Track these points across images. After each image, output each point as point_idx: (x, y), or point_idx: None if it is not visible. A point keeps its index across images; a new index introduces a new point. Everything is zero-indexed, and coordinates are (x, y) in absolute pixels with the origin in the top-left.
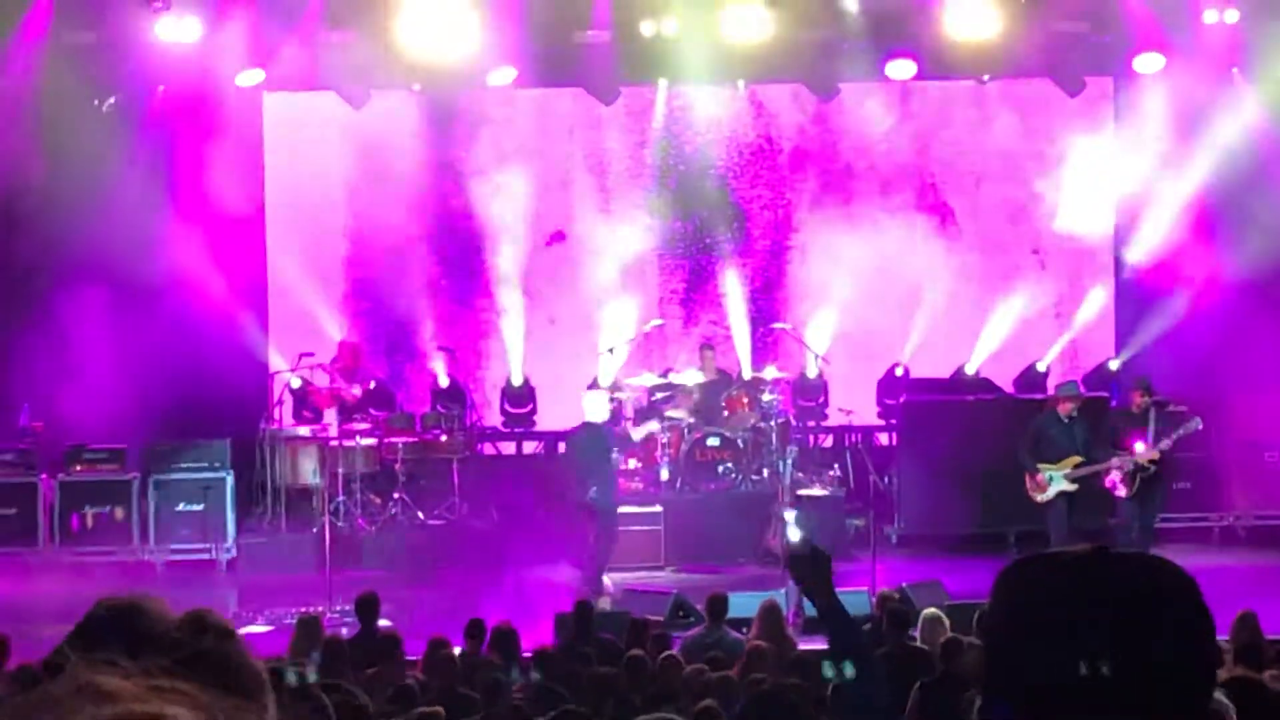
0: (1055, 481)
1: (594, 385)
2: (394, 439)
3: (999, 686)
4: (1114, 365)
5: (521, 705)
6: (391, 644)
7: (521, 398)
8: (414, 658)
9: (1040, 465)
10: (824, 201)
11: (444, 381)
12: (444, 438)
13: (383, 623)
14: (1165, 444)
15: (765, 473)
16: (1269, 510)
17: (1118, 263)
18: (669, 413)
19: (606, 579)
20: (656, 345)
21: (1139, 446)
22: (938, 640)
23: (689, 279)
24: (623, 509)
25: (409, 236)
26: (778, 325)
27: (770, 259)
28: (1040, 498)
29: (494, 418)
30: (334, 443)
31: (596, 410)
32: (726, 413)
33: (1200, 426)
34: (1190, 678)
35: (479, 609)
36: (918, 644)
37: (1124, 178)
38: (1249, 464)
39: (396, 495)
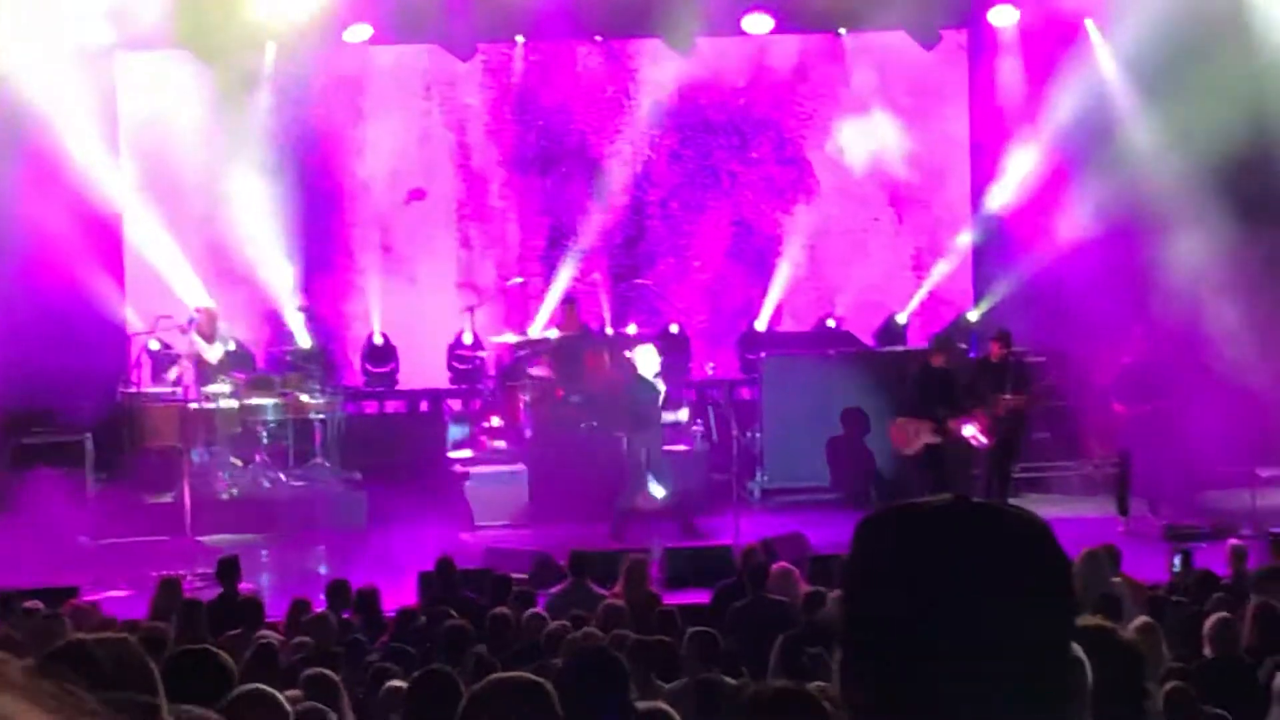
0: (922, 433)
1: (457, 343)
2: (254, 400)
3: (859, 638)
4: (972, 316)
5: (383, 665)
6: (253, 606)
7: (383, 357)
8: (277, 619)
9: (906, 417)
10: (683, 156)
11: (304, 342)
12: (305, 398)
13: (245, 585)
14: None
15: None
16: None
17: (975, 215)
18: (532, 371)
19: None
20: (518, 303)
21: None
22: (796, 593)
23: (550, 236)
24: (487, 468)
25: (266, 197)
26: (638, 280)
27: (631, 214)
28: (906, 450)
29: (356, 377)
30: (194, 405)
31: (648, 364)
32: (588, 369)
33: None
34: (1049, 625)
35: (342, 570)
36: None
37: (980, 130)
38: (1106, 413)
39: (258, 457)
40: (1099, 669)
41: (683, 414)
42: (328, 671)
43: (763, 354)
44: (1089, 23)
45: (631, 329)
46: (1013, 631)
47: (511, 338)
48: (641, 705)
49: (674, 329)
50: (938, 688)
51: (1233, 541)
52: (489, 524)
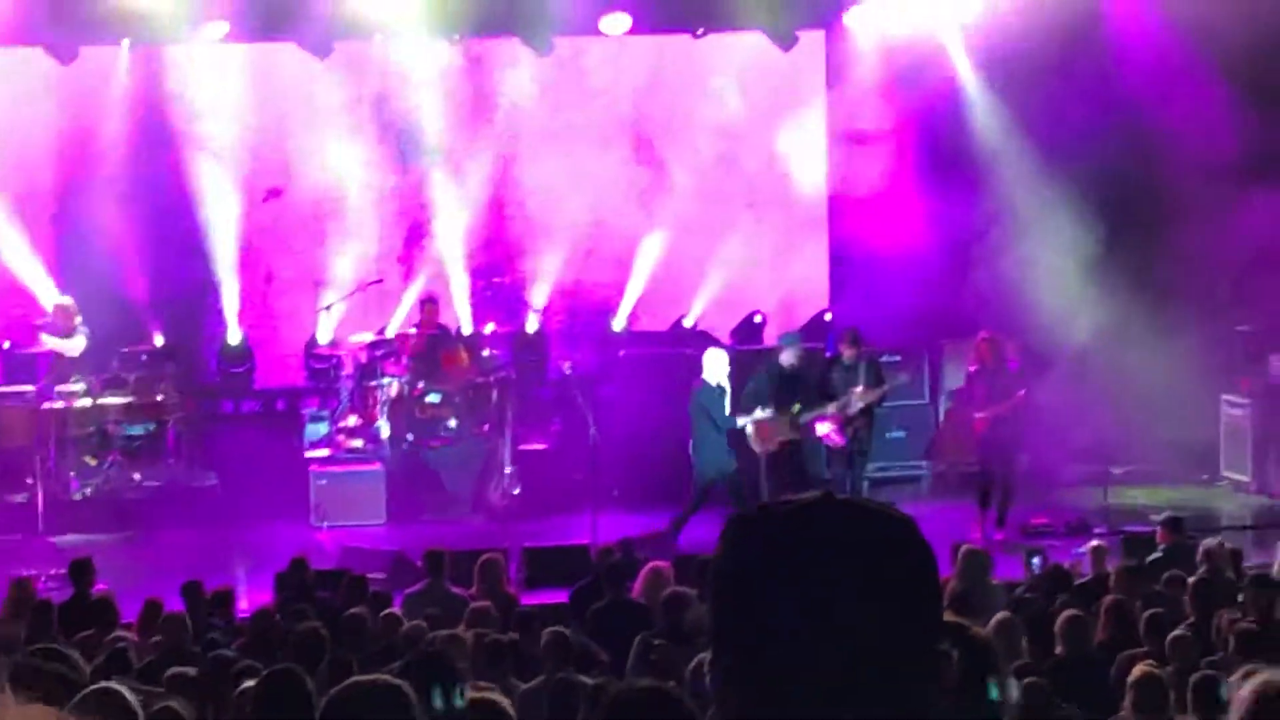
0: (779, 431)
1: (314, 342)
2: (108, 399)
3: (728, 638)
4: (828, 316)
5: (238, 665)
6: (106, 607)
7: (239, 357)
8: (130, 620)
9: (761, 416)
10: (542, 156)
11: (159, 341)
12: (160, 398)
13: (99, 586)
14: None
15: (486, 428)
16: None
17: (832, 215)
18: (389, 370)
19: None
20: (376, 302)
21: (831, 407)
22: (659, 594)
23: (408, 235)
24: (344, 468)
25: (121, 194)
26: (496, 280)
27: (490, 213)
28: (764, 448)
29: (211, 376)
30: (46, 404)
31: (716, 370)
32: (446, 369)
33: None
34: (918, 621)
35: (197, 570)
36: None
37: (837, 130)
38: (960, 415)
39: (112, 457)
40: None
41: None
42: (186, 670)
43: (621, 352)
44: (945, 27)
45: (489, 328)
46: (881, 627)
47: (369, 337)
48: (471, 694)
49: (531, 328)
50: (807, 686)
51: (1094, 542)
52: (346, 523)
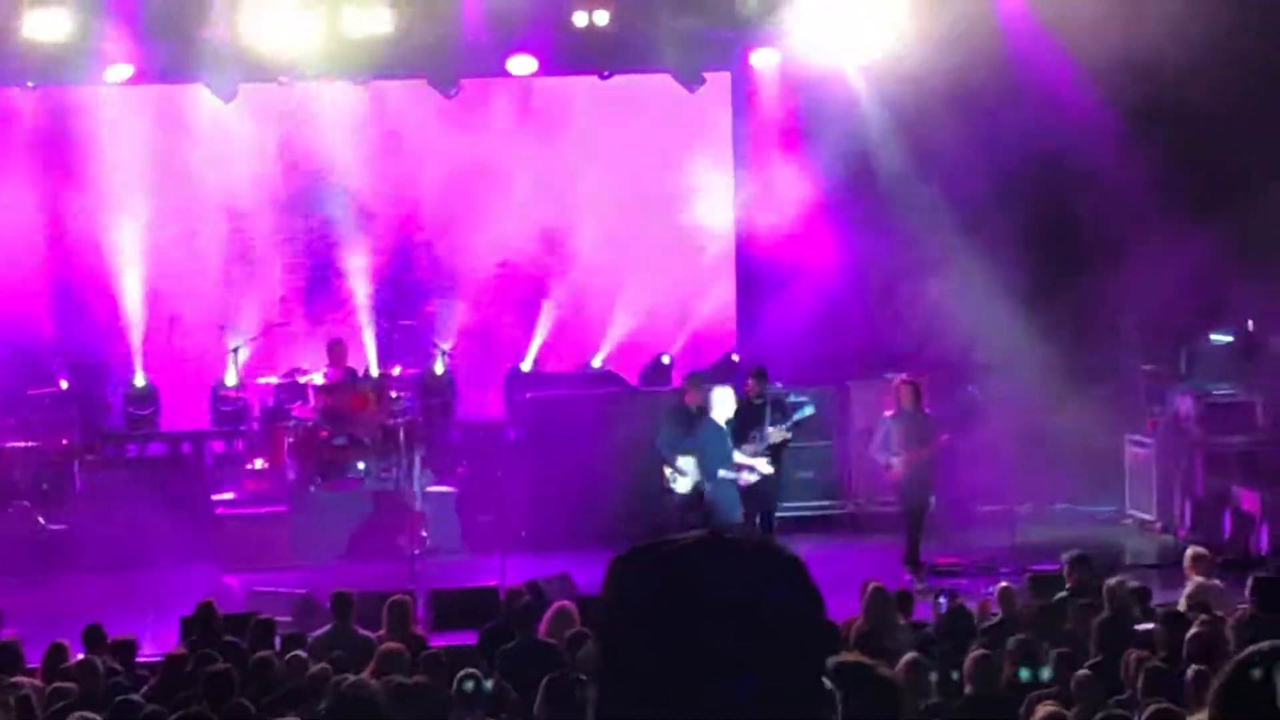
0: (694, 469)
1: (219, 385)
2: (11, 443)
3: (613, 675)
4: (735, 357)
5: (146, 711)
6: (10, 653)
7: (144, 399)
8: (34, 665)
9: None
10: (449, 197)
11: (63, 384)
12: (65, 441)
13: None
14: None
15: (394, 471)
16: (888, 497)
17: (739, 254)
18: (296, 413)
19: None
20: (282, 344)
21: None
22: (565, 634)
23: (312, 276)
24: (250, 510)
25: (23, 236)
26: (404, 322)
27: (397, 256)
28: (679, 487)
29: (117, 419)
30: None
31: (723, 408)
32: (353, 411)
33: (812, 411)
34: (801, 659)
35: (101, 614)
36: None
37: (743, 170)
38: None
39: (15, 500)
40: (859, 704)
41: None
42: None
43: (528, 394)
44: (850, 66)
45: (397, 370)
46: (763, 666)
47: (275, 379)
48: None
49: (439, 370)
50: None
51: (1002, 583)
52: (252, 567)
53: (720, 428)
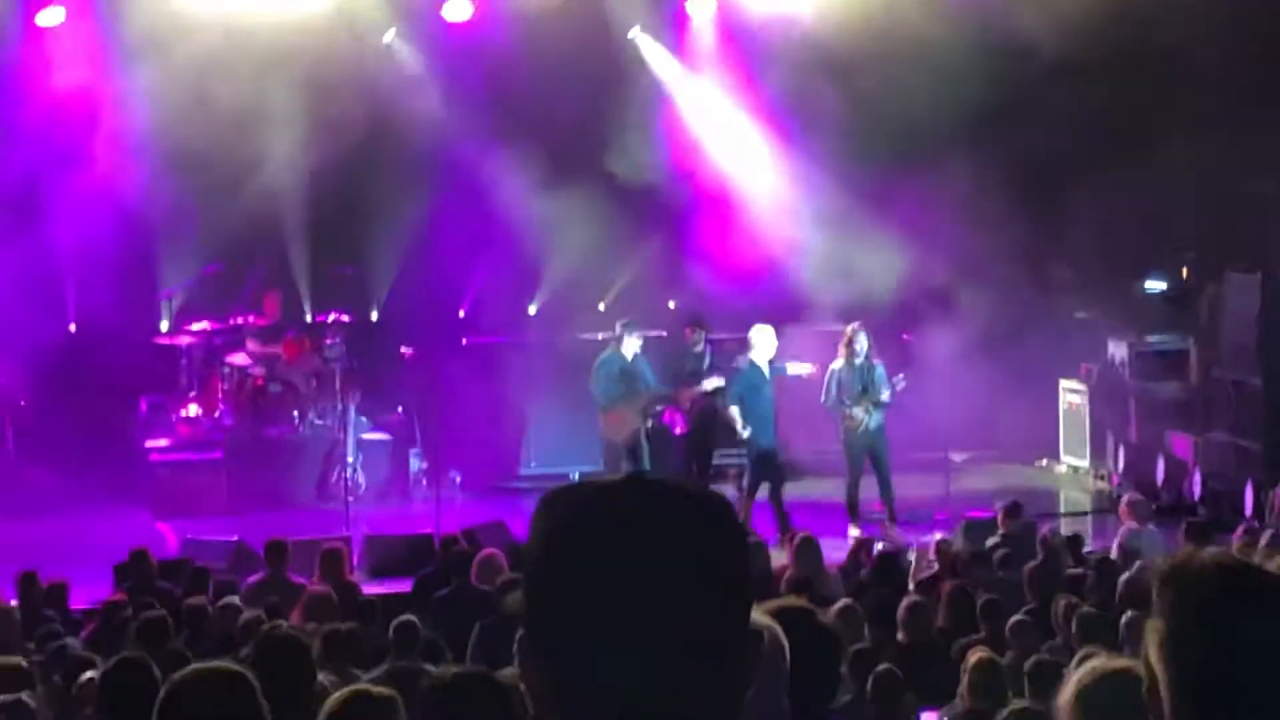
0: (631, 418)
1: (153, 332)
2: None
3: (538, 618)
4: (671, 304)
5: (80, 657)
6: None
7: (79, 347)
8: None
9: (614, 405)
10: (390, 143)
11: None
12: None
13: None
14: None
15: (328, 417)
16: (823, 444)
17: (675, 201)
18: (230, 359)
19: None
20: (218, 291)
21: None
22: (495, 581)
23: (251, 223)
24: (185, 457)
25: None
26: (340, 269)
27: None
28: (616, 436)
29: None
30: None
31: (764, 348)
32: (286, 357)
33: (722, 384)
34: (727, 603)
35: (34, 561)
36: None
37: (682, 115)
38: (806, 399)
39: None
40: (797, 649)
41: None
42: (20, 660)
43: (464, 340)
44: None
45: (332, 317)
46: (689, 607)
47: (209, 326)
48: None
49: (374, 317)
50: (614, 664)
51: (937, 533)
52: (186, 514)
53: (759, 368)
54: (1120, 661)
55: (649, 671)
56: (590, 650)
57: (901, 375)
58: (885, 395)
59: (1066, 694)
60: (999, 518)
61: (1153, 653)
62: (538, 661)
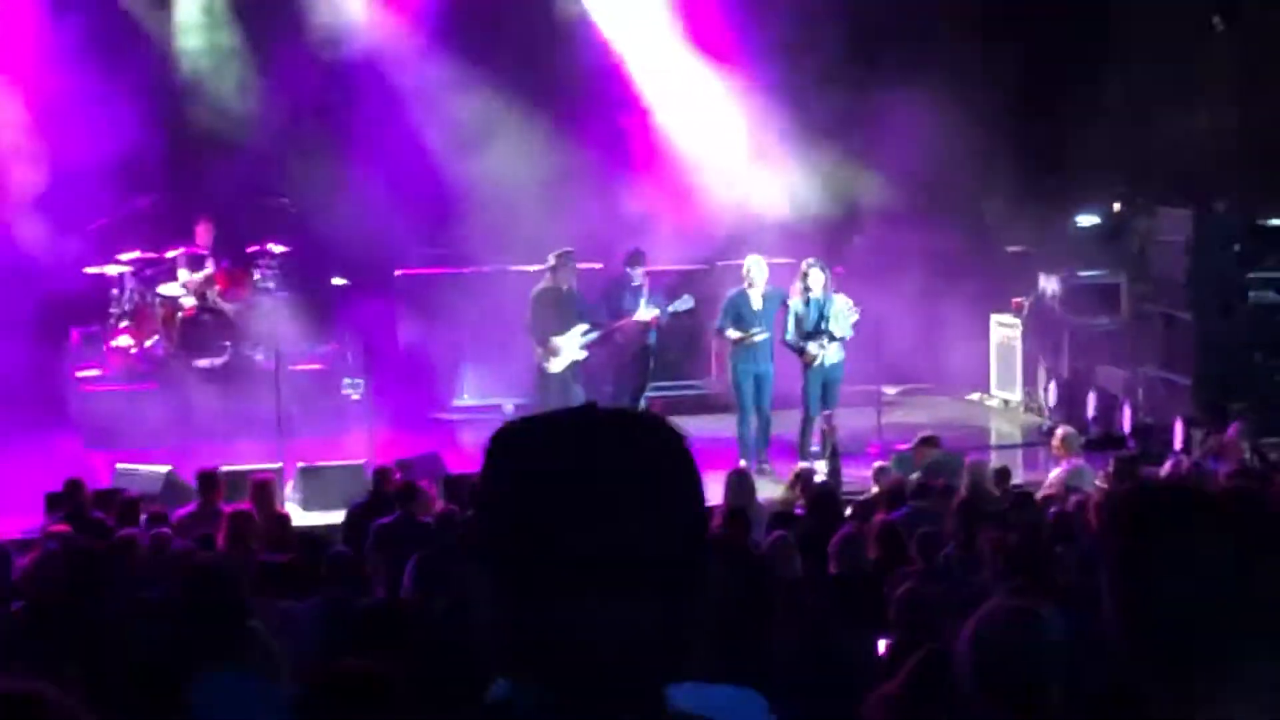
0: (567, 350)
1: (83, 261)
2: None
3: (492, 553)
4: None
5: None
6: None
7: (6, 275)
8: None
9: (550, 335)
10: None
11: None
12: None
13: None
14: (656, 314)
15: (261, 348)
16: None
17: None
18: (163, 290)
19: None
20: (150, 221)
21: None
22: (428, 512)
23: (186, 153)
24: (117, 387)
25: None
26: (275, 198)
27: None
28: (552, 367)
29: None
30: None
31: (757, 276)
32: (218, 287)
33: (692, 305)
34: (684, 533)
35: None
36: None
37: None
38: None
39: None
40: (730, 580)
41: None
42: None
43: (398, 271)
44: None
45: (267, 247)
46: (649, 538)
47: (141, 255)
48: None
49: (310, 247)
50: (575, 591)
51: (877, 462)
52: (117, 444)
53: (747, 297)
54: (1017, 601)
55: (611, 597)
56: (553, 579)
57: (857, 311)
58: (840, 330)
59: (965, 633)
60: (915, 451)
61: (1103, 577)
62: (500, 598)
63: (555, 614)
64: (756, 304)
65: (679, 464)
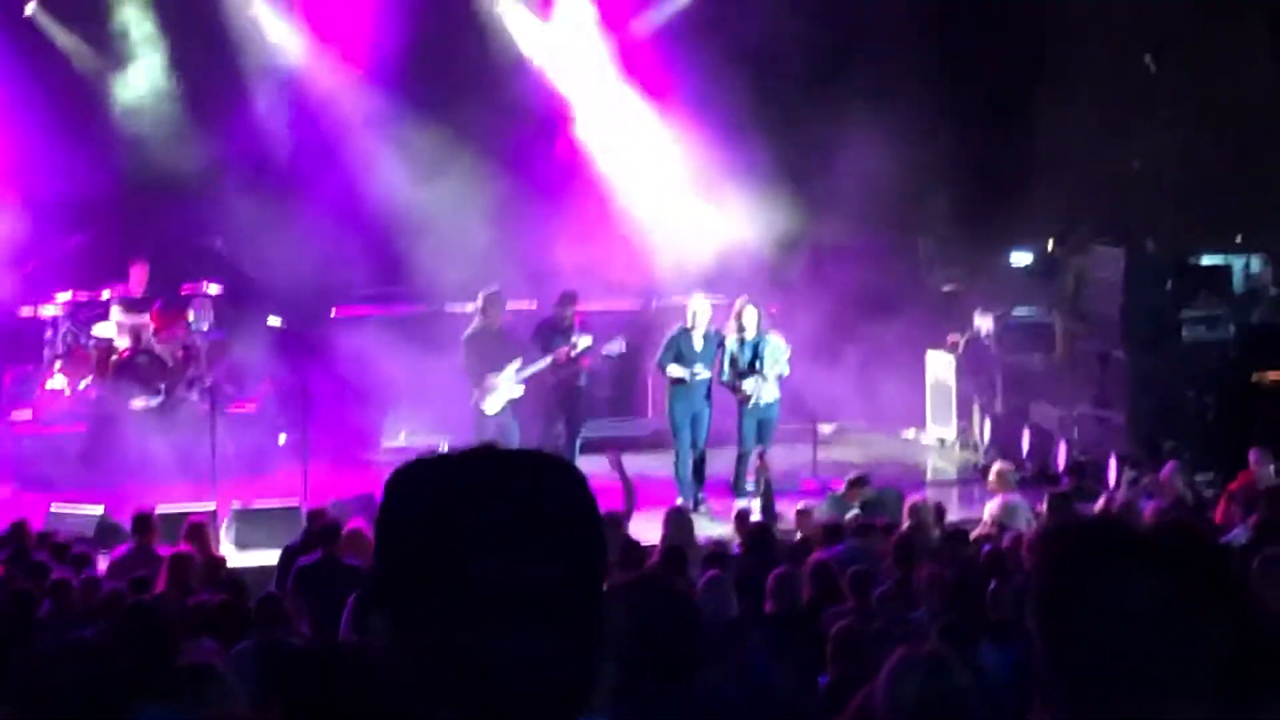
0: (503, 388)
1: (16, 303)
2: None
3: (392, 588)
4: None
5: None
6: None
7: None
8: None
9: (485, 376)
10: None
11: None
12: None
13: None
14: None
15: (197, 389)
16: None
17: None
18: (96, 331)
19: None
20: (85, 262)
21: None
22: (363, 554)
23: (118, 195)
24: (50, 429)
25: None
26: (208, 240)
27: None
28: (488, 407)
29: None
30: None
31: (700, 316)
32: (153, 329)
33: (623, 349)
34: (578, 569)
35: None
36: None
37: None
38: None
39: None
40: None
41: None
42: None
43: (333, 311)
44: None
45: (201, 288)
46: (545, 578)
47: (75, 296)
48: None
49: (245, 288)
50: (476, 633)
51: (799, 504)
52: (51, 486)
53: (689, 337)
54: (928, 647)
55: (514, 638)
56: (452, 620)
57: (788, 350)
58: (775, 370)
59: (880, 680)
60: (846, 490)
61: (1030, 616)
62: (399, 632)
63: (454, 648)
64: (698, 343)
65: (575, 502)
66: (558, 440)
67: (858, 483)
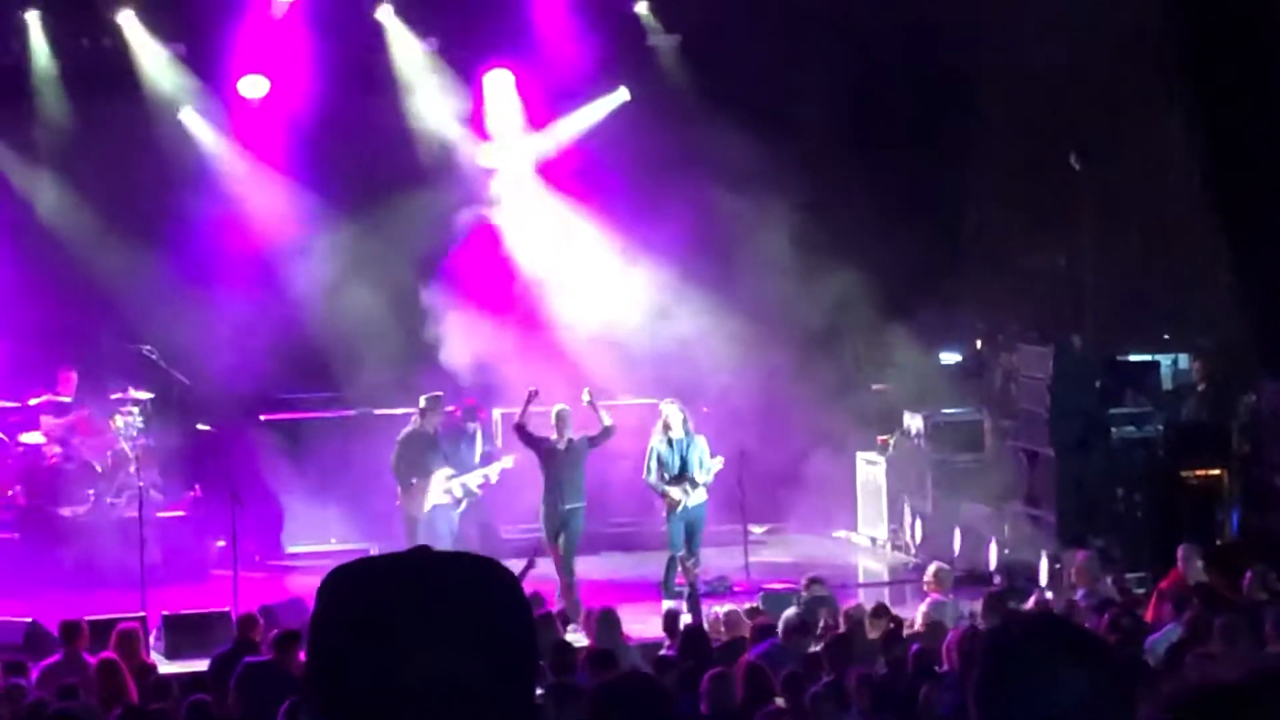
0: (432, 493)
1: None
2: None
3: (321, 691)
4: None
5: None
6: None
7: None
8: None
9: (415, 479)
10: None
11: None
12: None
13: None
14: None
15: (125, 495)
16: (622, 517)
17: None
18: (24, 438)
19: None
20: (11, 369)
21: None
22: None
23: (47, 300)
24: None
25: None
26: (140, 346)
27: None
28: (415, 510)
29: None
30: None
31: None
32: (81, 436)
33: (510, 465)
34: (507, 670)
35: None
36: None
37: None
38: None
39: None
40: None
41: None
42: None
43: (263, 416)
44: None
45: (130, 393)
46: (469, 677)
47: (3, 403)
48: None
49: (175, 394)
50: None
51: (728, 605)
52: None
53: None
54: None
55: None
56: None
57: (719, 458)
58: (703, 475)
59: None
60: (801, 589)
61: (971, 706)
62: None
63: None
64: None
65: (507, 603)
66: (492, 542)
67: (814, 583)
